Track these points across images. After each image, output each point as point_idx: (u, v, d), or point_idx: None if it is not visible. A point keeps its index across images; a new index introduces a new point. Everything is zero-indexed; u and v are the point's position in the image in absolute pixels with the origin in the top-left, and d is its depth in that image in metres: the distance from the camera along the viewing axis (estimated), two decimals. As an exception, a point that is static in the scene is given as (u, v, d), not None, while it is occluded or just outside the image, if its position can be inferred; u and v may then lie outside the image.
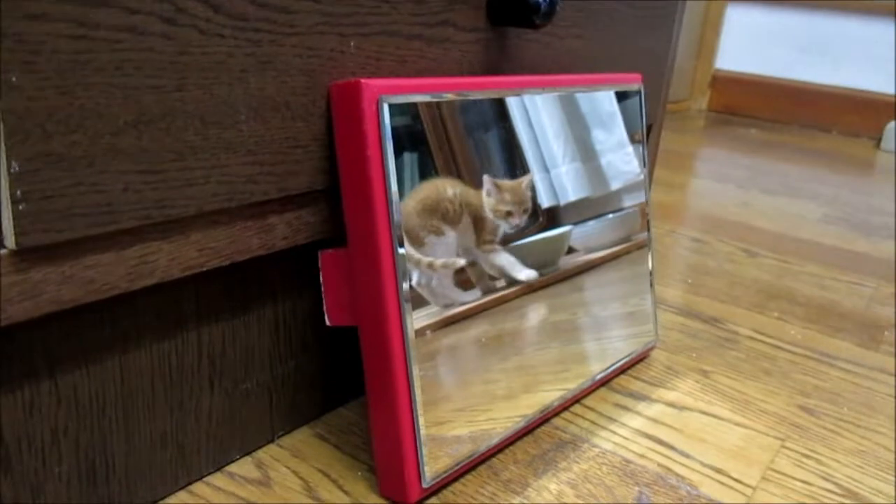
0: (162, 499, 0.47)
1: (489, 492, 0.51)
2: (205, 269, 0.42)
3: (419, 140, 0.47)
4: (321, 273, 0.49)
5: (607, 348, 0.65)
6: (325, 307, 0.49)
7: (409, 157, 0.47)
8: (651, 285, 0.71)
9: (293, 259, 0.51)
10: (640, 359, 0.71)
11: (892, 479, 0.57)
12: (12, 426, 0.38)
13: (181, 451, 0.47)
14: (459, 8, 0.53)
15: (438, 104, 0.48)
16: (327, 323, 0.49)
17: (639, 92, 0.69)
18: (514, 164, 0.56)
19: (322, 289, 0.49)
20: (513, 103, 0.55)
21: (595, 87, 0.63)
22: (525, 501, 0.50)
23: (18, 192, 0.32)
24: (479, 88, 0.51)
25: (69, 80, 0.33)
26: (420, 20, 0.50)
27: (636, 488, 0.53)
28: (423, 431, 0.47)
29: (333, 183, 0.47)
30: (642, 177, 0.70)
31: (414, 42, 0.50)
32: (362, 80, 0.43)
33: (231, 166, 0.41)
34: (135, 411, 0.44)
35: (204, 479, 0.49)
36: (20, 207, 0.32)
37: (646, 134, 0.75)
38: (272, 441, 0.54)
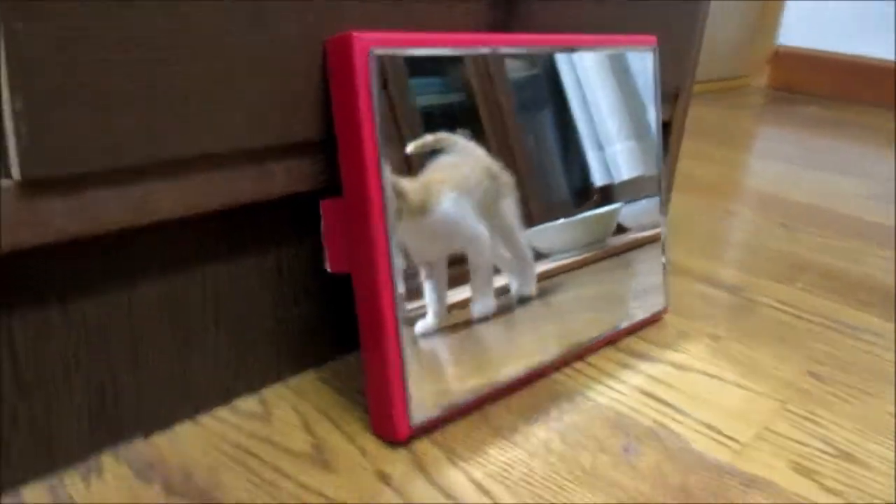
0: (170, 426, 0.50)
1: (478, 436, 0.53)
2: (206, 209, 0.45)
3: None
4: (322, 221, 0.51)
5: (614, 309, 0.66)
6: (325, 254, 0.52)
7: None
8: (663, 251, 0.72)
9: (296, 208, 0.53)
10: (649, 322, 0.71)
11: (893, 443, 0.56)
12: (26, 350, 0.42)
13: (188, 383, 0.51)
14: (462, -32, 0.54)
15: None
16: (328, 269, 0.52)
17: (652, 53, 0.69)
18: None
19: (323, 236, 0.51)
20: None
21: (601, 48, 0.63)
22: (511, 446, 0.52)
23: (22, 128, 0.36)
24: (474, 44, 0.52)
25: (70, 28, 0.36)
26: (420, -21, 0.52)
27: (625, 440, 0.54)
28: (411, 375, 0.49)
29: (332, 135, 0.49)
30: (656, 142, 0.70)
31: (416, 3, 0.52)
32: (354, 34, 0.45)
33: (229, 114, 0.44)
34: (142, 343, 0.47)
35: (210, 412, 0.53)
36: (23, 142, 0.36)
37: (660, 98, 0.75)
38: (278, 381, 0.57)
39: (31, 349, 0.42)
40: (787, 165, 1.45)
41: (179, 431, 0.51)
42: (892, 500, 0.50)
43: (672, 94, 0.86)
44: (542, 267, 0.61)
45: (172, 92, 0.41)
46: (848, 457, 0.54)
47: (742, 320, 0.75)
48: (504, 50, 0.55)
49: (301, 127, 0.48)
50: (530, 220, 0.63)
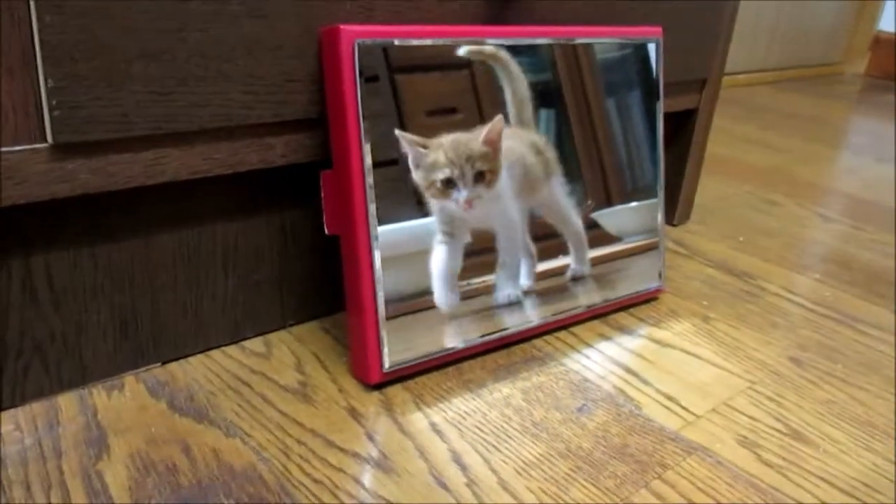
0: (184, 357, 0.60)
1: (448, 387, 0.59)
2: (209, 175, 0.53)
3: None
4: (322, 189, 0.58)
5: (604, 283, 0.70)
6: (324, 218, 0.59)
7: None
8: (660, 231, 0.75)
9: (303, 175, 0.61)
10: (641, 299, 0.75)
11: (851, 428, 0.59)
12: (60, 278, 0.51)
13: (200, 321, 0.60)
14: (459, -36, 0.60)
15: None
16: (326, 232, 0.59)
17: (655, 44, 0.72)
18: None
19: (322, 203, 0.59)
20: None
21: (598, 39, 0.67)
22: (475, 398, 0.58)
23: (53, 102, 0.45)
24: (456, 36, 0.58)
25: (90, 20, 0.44)
26: (414, -25, 0.57)
27: (582, 401, 0.59)
28: (384, 326, 0.56)
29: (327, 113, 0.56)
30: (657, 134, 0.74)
31: (409, -5, 0.58)
32: (341, 26, 0.52)
33: (229, 93, 0.51)
34: (159, 282, 0.56)
35: (220, 348, 0.61)
36: (54, 114, 0.45)
37: (662, 87, 0.77)
38: (283, 327, 0.65)
39: (64, 279, 0.52)
40: (851, 155, 1.41)
41: (192, 362, 0.60)
42: (830, 478, 0.53)
43: (698, 83, 0.88)
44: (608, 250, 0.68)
45: (178, 72, 0.49)
46: (797, 436, 0.57)
47: (740, 305, 0.77)
48: (525, 41, 0.61)
49: (299, 106, 0.55)
50: (609, 200, 0.70)
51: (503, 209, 0.63)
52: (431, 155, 0.58)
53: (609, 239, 0.71)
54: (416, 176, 0.58)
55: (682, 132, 0.92)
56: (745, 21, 1.88)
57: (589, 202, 0.69)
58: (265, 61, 0.52)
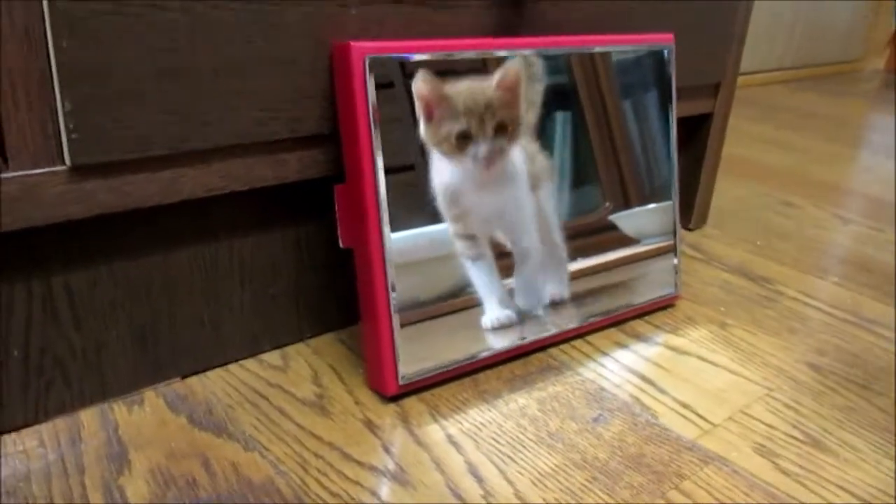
0: (202, 371, 0.60)
1: (463, 397, 0.60)
2: (225, 191, 0.54)
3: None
4: (336, 203, 0.59)
5: (621, 290, 0.70)
6: (339, 232, 0.59)
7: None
8: (675, 237, 0.75)
9: (317, 190, 0.61)
10: (657, 306, 0.75)
11: (870, 435, 0.58)
12: (80, 296, 0.52)
13: (218, 335, 0.60)
14: (469, -23, 0.60)
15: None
16: (341, 245, 0.59)
17: (668, 51, 0.72)
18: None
19: (337, 216, 0.59)
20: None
21: (610, 48, 0.67)
22: (490, 409, 0.58)
23: (71, 125, 0.45)
24: (467, 49, 0.58)
25: (105, 44, 0.45)
26: (424, -11, 0.58)
27: (598, 411, 0.59)
28: (399, 339, 0.57)
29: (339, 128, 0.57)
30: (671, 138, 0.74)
31: (419, 8, 0.58)
32: (352, 43, 0.53)
33: (244, 111, 0.52)
34: (177, 297, 0.57)
35: (238, 362, 0.62)
36: (72, 136, 0.46)
37: (675, 92, 0.77)
38: (301, 340, 0.66)
39: (84, 297, 0.52)
40: (868, 154, 1.40)
41: (211, 375, 0.60)
42: (848, 486, 0.53)
43: (712, 87, 0.88)
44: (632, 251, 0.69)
45: (193, 93, 0.49)
46: (815, 443, 0.57)
47: (757, 310, 0.77)
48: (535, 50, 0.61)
49: (312, 122, 0.56)
50: (627, 202, 0.68)
51: (517, 196, 0.59)
52: (443, 104, 0.52)
53: (627, 241, 0.71)
54: (425, 131, 0.53)
55: (697, 136, 0.91)
56: (761, 20, 1.86)
57: (607, 204, 0.69)
58: (278, 78, 0.53)
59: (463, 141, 0.54)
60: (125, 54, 0.46)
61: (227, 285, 0.59)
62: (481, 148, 0.54)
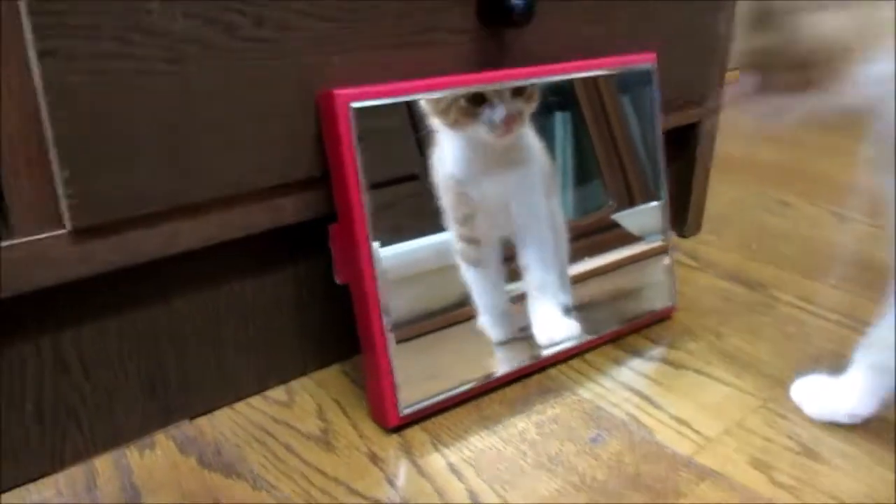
0: (210, 411, 0.62)
1: (465, 425, 0.61)
2: (222, 240, 0.56)
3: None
4: (331, 241, 0.61)
5: (617, 307, 0.72)
6: (334, 269, 0.61)
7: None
8: (667, 249, 0.76)
9: (312, 229, 0.63)
10: (654, 320, 0.76)
11: (864, 443, 0.59)
12: (88, 348, 0.54)
13: (224, 375, 0.62)
14: (447, 13, 0.62)
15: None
16: (337, 281, 0.61)
17: (651, 70, 0.73)
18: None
19: (332, 254, 0.61)
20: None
21: (594, 72, 0.69)
22: (491, 434, 0.60)
23: (69, 191, 0.47)
24: (448, 87, 0.60)
25: (98, 112, 0.47)
26: (404, 31, 0.59)
27: (595, 431, 0.60)
28: (399, 371, 0.58)
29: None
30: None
31: (399, 50, 0.60)
32: (335, 91, 0.54)
33: (238, 162, 0.54)
34: (182, 343, 0.59)
35: (244, 400, 0.64)
36: (71, 202, 0.48)
37: (660, 108, 0.79)
38: (304, 374, 0.67)
39: (93, 349, 0.55)
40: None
41: (218, 415, 0.62)
42: (842, 496, 0.54)
43: (697, 100, 0.89)
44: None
45: (188, 147, 0.51)
46: (810, 454, 0.58)
47: (754, 318, 0.78)
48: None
49: (304, 166, 0.58)
50: (631, 200, 0.70)
51: (530, 183, 0.56)
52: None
53: (630, 239, 0.73)
54: (428, 101, 0.47)
55: (687, 146, 0.93)
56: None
57: (610, 202, 0.70)
58: (268, 129, 0.55)
59: (474, 104, 0.47)
60: (119, 120, 0.48)
61: (230, 327, 0.61)
62: (498, 110, 0.48)
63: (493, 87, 0.52)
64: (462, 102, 0.46)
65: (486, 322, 0.62)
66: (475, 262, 0.61)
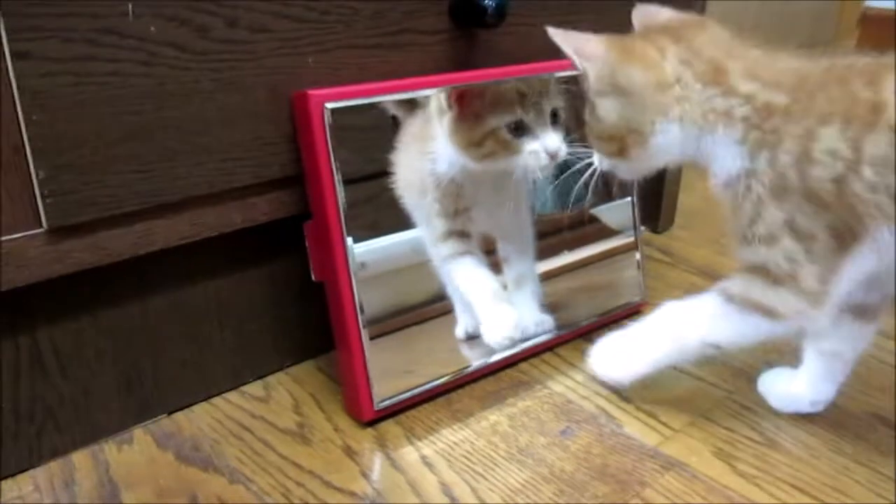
0: (188, 406, 0.63)
1: (437, 418, 0.63)
2: (197, 239, 0.56)
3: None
4: (306, 239, 0.62)
5: (588, 301, 0.74)
6: (311, 266, 0.62)
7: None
8: (637, 245, 0.78)
9: (287, 227, 0.64)
10: (625, 314, 0.78)
11: (823, 432, 0.61)
12: (65, 346, 0.55)
13: (201, 372, 0.63)
14: (421, 14, 0.63)
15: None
16: (313, 279, 0.62)
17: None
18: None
19: (308, 252, 0.62)
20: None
21: (565, 73, 0.70)
22: (463, 427, 0.61)
23: (45, 191, 0.48)
24: (421, 87, 0.61)
25: (73, 113, 0.48)
26: (378, 32, 0.60)
27: (565, 423, 0.62)
28: (373, 366, 0.60)
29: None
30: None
31: (374, 51, 0.61)
32: (309, 91, 0.55)
33: (209, 163, 0.55)
34: (159, 340, 0.60)
35: (222, 395, 0.65)
36: (47, 201, 0.48)
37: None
38: (281, 369, 0.69)
39: (69, 347, 0.55)
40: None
41: (196, 410, 0.63)
42: (801, 485, 0.56)
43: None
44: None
45: (159, 149, 0.52)
46: (771, 444, 0.60)
47: (721, 312, 0.80)
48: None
49: (277, 166, 0.59)
50: (609, 194, 0.71)
51: (518, 188, 0.57)
52: (485, 94, 0.41)
53: (601, 235, 0.74)
54: (455, 133, 0.45)
55: (659, 143, 0.94)
56: (730, 6, 1.89)
57: (589, 198, 0.71)
58: (241, 129, 0.56)
59: (516, 134, 0.47)
60: (93, 122, 0.49)
61: (206, 325, 0.62)
62: (548, 139, 0.45)
63: (533, 117, 0.48)
64: (504, 134, 0.44)
65: (493, 315, 0.62)
66: (465, 253, 0.62)
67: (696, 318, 0.58)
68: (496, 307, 0.63)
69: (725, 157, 0.54)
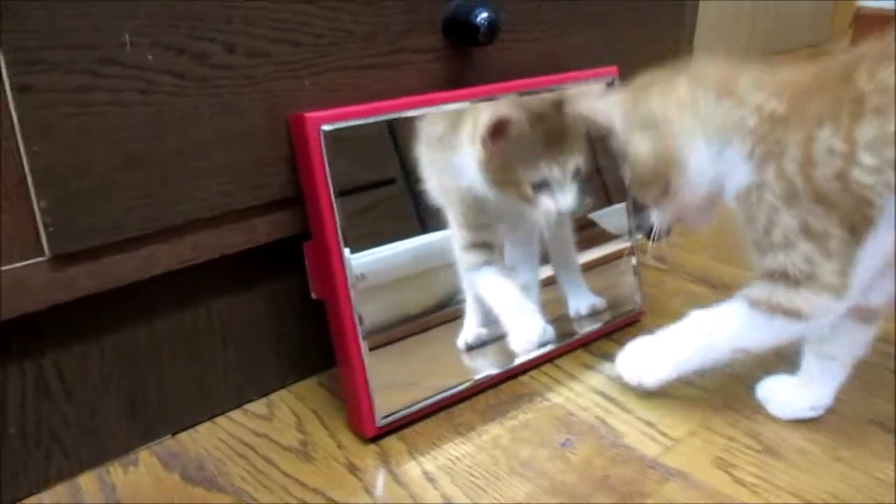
0: (192, 426, 0.64)
1: (439, 433, 0.63)
2: (199, 261, 0.57)
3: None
4: (305, 258, 0.62)
5: (583, 316, 0.74)
6: (310, 284, 0.63)
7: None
8: (633, 253, 0.79)
9: (288, 247, 0.65)
10: (623, 323, 0.78)
11: (822, 438, 0.62)
12: (70, 371, 0.56)
13: (204, 391, 0.64)
14: (414, 34, 0.63)
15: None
16: (313, 296, 0.63)
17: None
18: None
19: (307, 270, 0.63)
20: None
21: (555, 87, 0.71)
22: (465, 441, 0.62)
23: (48, 221, 0.49)
24: (416, 106, 0.61)
25: (74, 143, 0.48)
26: (372, 52, 0.61)
27: (566, 435, 0.63)
28: (374, 383, 0.60)
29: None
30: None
31: (369, 71, 0.62)
32: (306, 114, 0.56)
33: (210, 186, 0.56)
34: (163, 363, 0.61)
35: (225, 414, 0.66)
36: (50, 230, 0.49)
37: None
38: (284, 387, 0.69)
39: (74, 371, 0.56)
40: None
41: (201, 430, 0.64)
42: (800, 492, 0.57)
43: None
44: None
45: (160, 175, 0.53)
46: (770, 451, 0.61)
47: (719, 319, 0.80)
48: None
49: (276, 188, 0.59)
50: (609, 199, 0.73)
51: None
52: (521, 139, 0.43)
53: (597, 242, 0.75)
54: (484, 162, 0.45)
55: (655, 151, 0.95)
56: (726, 7, 1.90)
57: (587, 200, 0.72)
58: (240, 152, 0.57)
59: (537, 189, 0.49)
60: (94, 151, 0.49)
61: (209, 345, 0.63)
62: (563, 200, 0.46)
63: (557, 174, 0.49)
64: (527, 188, 0.46)
65: (511, 317, 0.63)
66: (489, 262, 0.63)
67: (724, 325, 0.61)
68: (522, 316, 0.64)
69: (736, 174, 0.57)
